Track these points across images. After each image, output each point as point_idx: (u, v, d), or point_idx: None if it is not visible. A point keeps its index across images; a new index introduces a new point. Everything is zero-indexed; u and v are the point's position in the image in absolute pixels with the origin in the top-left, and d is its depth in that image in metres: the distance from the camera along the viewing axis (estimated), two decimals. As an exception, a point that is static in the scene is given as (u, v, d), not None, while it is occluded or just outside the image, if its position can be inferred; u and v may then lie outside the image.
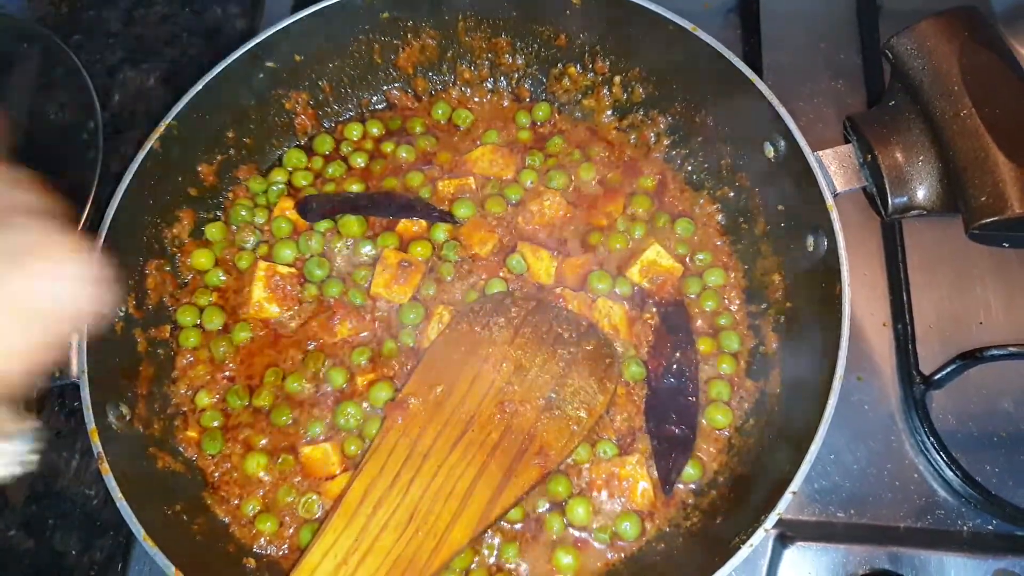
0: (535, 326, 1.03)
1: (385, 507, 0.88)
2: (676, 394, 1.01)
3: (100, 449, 0.87)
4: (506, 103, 1.24)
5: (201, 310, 1.09)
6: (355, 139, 1.21)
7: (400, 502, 0.89)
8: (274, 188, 1.17)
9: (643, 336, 1.07)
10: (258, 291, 1.08)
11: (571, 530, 0.97)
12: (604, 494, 0.98)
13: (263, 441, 1.02)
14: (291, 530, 0.98)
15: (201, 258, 1.11)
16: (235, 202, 1.15)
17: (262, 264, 1.09)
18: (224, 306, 1.10)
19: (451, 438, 0.94)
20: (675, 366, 1.03)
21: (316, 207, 1.14)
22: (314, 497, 0.98)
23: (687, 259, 1.11)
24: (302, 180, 1.17)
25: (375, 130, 1.22)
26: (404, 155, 1.19)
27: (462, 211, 1.13)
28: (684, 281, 1.09)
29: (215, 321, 1.08)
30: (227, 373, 1.06)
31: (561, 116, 1.23)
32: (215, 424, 1.03)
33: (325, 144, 1.21)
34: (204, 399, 1.04)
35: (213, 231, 1.13)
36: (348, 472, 0.99)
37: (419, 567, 0.86)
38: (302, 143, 1.22)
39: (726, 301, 1.09)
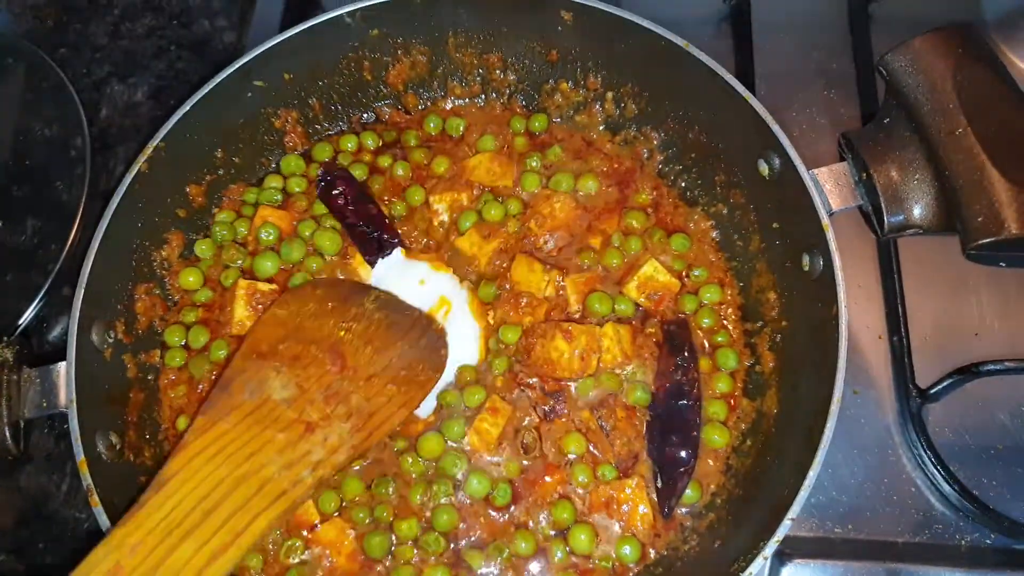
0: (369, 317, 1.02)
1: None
2: (678, 415, 1.00)
3: (90, 481, 0.85)
4: (498, 111, 1.23)
5: (187, 328, 1.07)
6: (351, 150, 1.20)
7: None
8: (273, 193, 1.16)
9: (647, 352, 1.05)
10: (240, 310, 1.06)
11: (573, 557, 0.96)
12: (604, 518, 0.97)
13: None
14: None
15: (189, 277, 1.09)
16: (217, 214, 1.14)
17: (242, 283, 1.08)
18: (208, 321, 1.09)
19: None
20: (678, 387, 1.01)
21: (332, 181, 1.14)
22: (297, 543, 0.96)
23: (683, 275, 1.10)
24: (296, 187, 1.16)
25: (369, 142, 1.20)
26: (400, 172, 1.17)
27: (465, 224, 1.12)
28: (680, 298, 1.08)
29: (200, 340, 1.07)
30: (202, 389, 1.05)
31: (557, 126, 1.21)
32: None
33: (324, 152, 1.19)
34: (183, 423, 1.03)
35: (203, 248, 1.12)
36: (329, 521, 0.97)
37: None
38: (300, 152, 1.21)
39: (723, 319, 1.09)
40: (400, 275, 1.10)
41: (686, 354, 1.02)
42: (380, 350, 0.99)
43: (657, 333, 1.06)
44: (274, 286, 1.08)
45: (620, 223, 1.13)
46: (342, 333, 0.99)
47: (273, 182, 1.16)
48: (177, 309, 1.09)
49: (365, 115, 1.23)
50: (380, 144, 1.21)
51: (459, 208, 1.14)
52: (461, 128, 1.21)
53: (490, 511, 0.98)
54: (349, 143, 1.20)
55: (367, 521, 0.97)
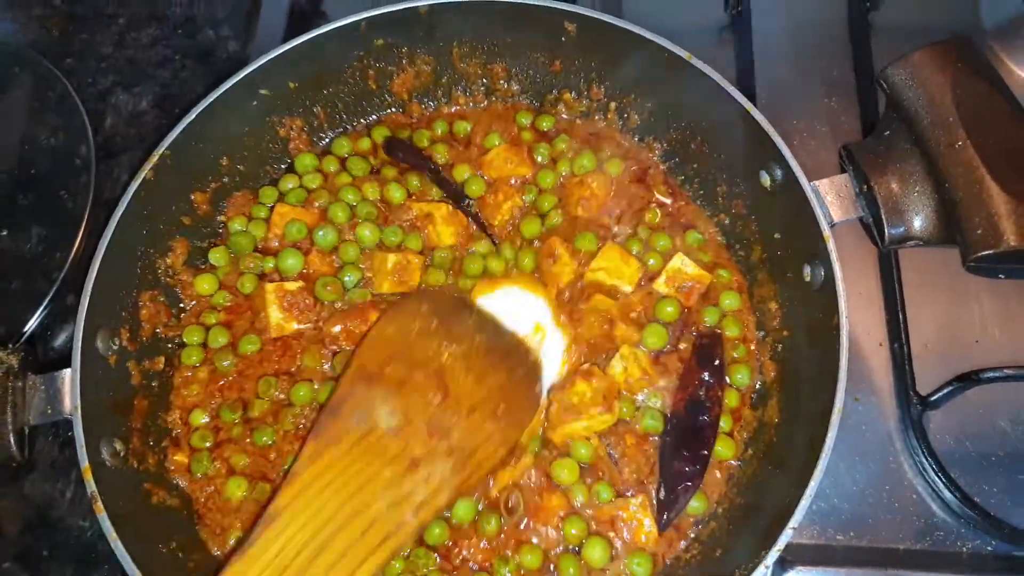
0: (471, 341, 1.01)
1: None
2: (694, 430, 0.99)
3: (94, 488, 0.86)
4: (501, 110, 1.23)
5: (207, 329, 1.08)
6: (366, 150, 1.21)
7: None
8: (300, 193, 1.16)
9: (672, 371, 1.04)
10: (274, 313, 1.07)
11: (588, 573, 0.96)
12: (611, 535, 0.96)
13: (245, 461, 1.01)
14: None
15: (204, 283, 1.10)
16: (229, 223, 1.14)
17: (269, 287, 1.08)
18: (231, 324, 1.09)
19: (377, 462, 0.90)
20: (699, 402, 1.00)
21: (401, 149, 1.18)
22: None
23: (711, 267, 1.10)
24: (312, 183, 1.17)
25: (381, 139, 1.21)
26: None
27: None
28: (702, 310, 1.07)
29: (220, 341, 1.08)
30: (222, 383, 1.06)
31: (562, 121, 1.22)
32: (206, 445, 1.02)
33: (343, 147, 1.20)
34: (199, 417, 1.04)
35: (217, 256, 1.12)
36: None
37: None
38: (318, 152, 1.22)
39: (745, 329, 1.08)
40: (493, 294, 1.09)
41: (715, 366, 1.02)
42: (480, 379, 0.97)
43: (687, 350, 1.05)
44: (301, 283, 1.09)
45: (640, 221, 1.13)
46: (445, 357, 0.97)
47: (290, 182, 1.17)
48: (194, 313, 1.10)
49: (370, 122, 1.24)
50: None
51: (519, 209, 1.15)
52: (468, 129, 1.21)
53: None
54: (364, 145, 1.20)
55: None
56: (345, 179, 1.17)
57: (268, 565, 0.77)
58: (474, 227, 1.14)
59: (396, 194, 1.15)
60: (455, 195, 1.16)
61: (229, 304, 1.10)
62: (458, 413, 0.93)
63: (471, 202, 1.16)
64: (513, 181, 1.16)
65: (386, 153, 1.19)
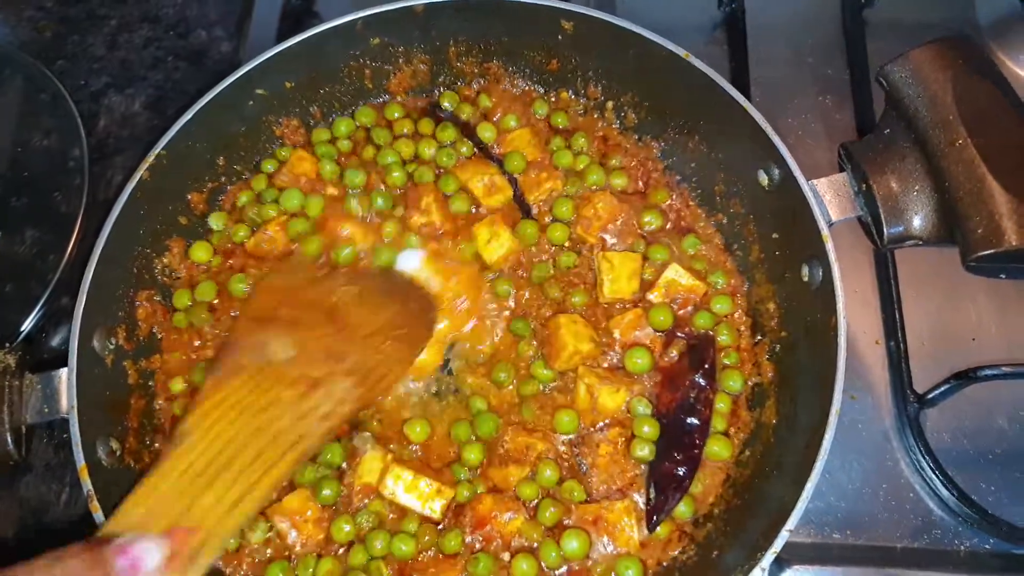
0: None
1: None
2: (684, 432, 0.99)
3: (90, 487, 0.86)
4: (517, 92, 1.22)
5: (194, 286, 1.09)
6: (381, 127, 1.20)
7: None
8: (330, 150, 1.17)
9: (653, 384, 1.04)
10: (282, 239, 1.11)
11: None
12: (601, 539, 0.95)
13: None
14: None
15: (200, 251, 1.11)
16: (238, 197, 1.15)
17: (271, 225, 1.11)
18: (227, 271, 1.10)
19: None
20: (689, 404, 1.00)
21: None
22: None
23: (705, 276, 1.09)
24: (345, 148, 1.18)
25: (396, 113, 1.20)
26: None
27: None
28: (695, 315, 1.06)
29: (209, 295, 1.08)
30: (198, 344, 1.07)
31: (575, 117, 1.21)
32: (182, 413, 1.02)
33: (367, 116, 1.20)
34: (177, 385, 1.04)
35: (217, 220, 1.13)
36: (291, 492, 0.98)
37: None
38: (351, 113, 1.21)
39: (739, 334, 1.07)
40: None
41: (706, 368, 1.01)
42: (374, 312, 1.02)
43: (680, 351, 1.05)
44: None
45: (638, 223, 1.12)
46: (335, 298, 1.02)
47: (323, 135, 1.17)
48: (187, 278, 1.11)
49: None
50: (403, 115, 1.20)
51: (556, 193, 1.14)
52: (488, 103, 1.20)
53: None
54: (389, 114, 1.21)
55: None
56: (371, 152, 1.17)
57: (182, 475, 0.80)
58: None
59: (428, 150, 1.16)
60: (498, 162, 1.16)
61: (219, 267, 1.11)
62: (353, 341, 0.97)
63: (516, 177, 1.15)
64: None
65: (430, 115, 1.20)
